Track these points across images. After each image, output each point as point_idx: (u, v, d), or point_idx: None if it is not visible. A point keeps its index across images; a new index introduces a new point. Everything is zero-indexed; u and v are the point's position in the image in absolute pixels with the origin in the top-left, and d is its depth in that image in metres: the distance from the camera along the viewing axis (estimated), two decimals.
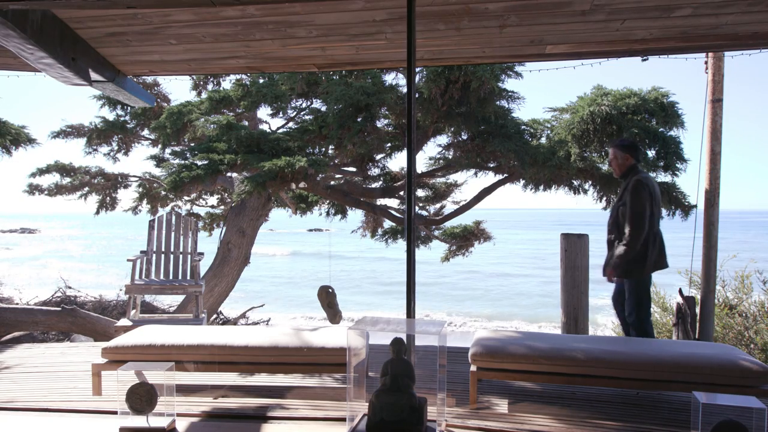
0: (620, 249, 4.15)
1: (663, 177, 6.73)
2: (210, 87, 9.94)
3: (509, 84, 16.38)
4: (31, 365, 4.68)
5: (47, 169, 10.38)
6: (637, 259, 4.14)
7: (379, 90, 6.99)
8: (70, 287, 11.88)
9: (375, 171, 8.59)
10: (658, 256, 4.24)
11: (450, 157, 7.99)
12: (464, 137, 7.46)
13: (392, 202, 9.35)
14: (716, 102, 5.90)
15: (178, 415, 2.67)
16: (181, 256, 6.11)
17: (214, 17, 3.47)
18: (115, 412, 2.64)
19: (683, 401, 3.62)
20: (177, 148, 8.99)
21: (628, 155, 4.30)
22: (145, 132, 10.36)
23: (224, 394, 3.77)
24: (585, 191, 7.41)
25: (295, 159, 6.49)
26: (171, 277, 6.01)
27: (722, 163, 5.94)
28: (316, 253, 42.47)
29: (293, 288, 25.93)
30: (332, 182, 8.75)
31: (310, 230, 62.22)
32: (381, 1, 3.23)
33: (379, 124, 7.43)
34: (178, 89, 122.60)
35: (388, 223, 9.46)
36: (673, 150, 6.28)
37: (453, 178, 9.53)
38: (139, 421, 2.51)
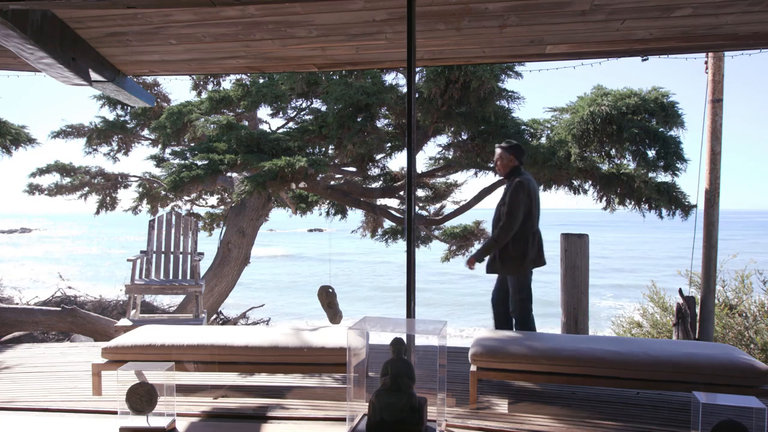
0: (488, 241, 4.46)
1: (663, 177, 6.73)
2: (210, 87, 9.95)
3: (509, 84, 16.42)
4: (31, 365, 4.68)
5: (47, 169, 10.38)
6: (516, 256, 4.37)
7: (379, 90, 6.99)
8: (70, 287, 11.89)
9: (375, 171, 8.59)
10: (537, 254, 4.47)
11: (450, 157, 7.99)
12: (464, 137, 7.46)
13: (392, 202, 9.36)
14: (716, 102, 5.91)
15: (178, 415, 2.67)
16: (181, 256, 6.11)
17: (214, 17, 3.47)
18: (115, 412, 2.64)
19: (683, 401, 3.62)
20: (177, 148, 8.99)
21: (513, 156, 4.49)
22: (145, 132, 10.36)
23: (224, 394, 3.77)
24: (585, 191, 7.40)
25: (295, 159, 6.49)
26: (171, 277, 6.01)
27: (722, 163, 5.94)
28: (314, 256, 42.44)
29: (293, 289, 25.93)
30: (332, 182, 8.75)
31: (311, 230, 62.25)
32: (381, 1, 3.23)
33: (379, 124, 7.43)
34: (178, 89, 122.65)
35: (388, 223, 9.46)
36: (673, 150, 6.27)
37: (453, 178, 9.54)
38: (139, 421, 2.51)
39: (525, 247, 4.37)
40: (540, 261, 4.55)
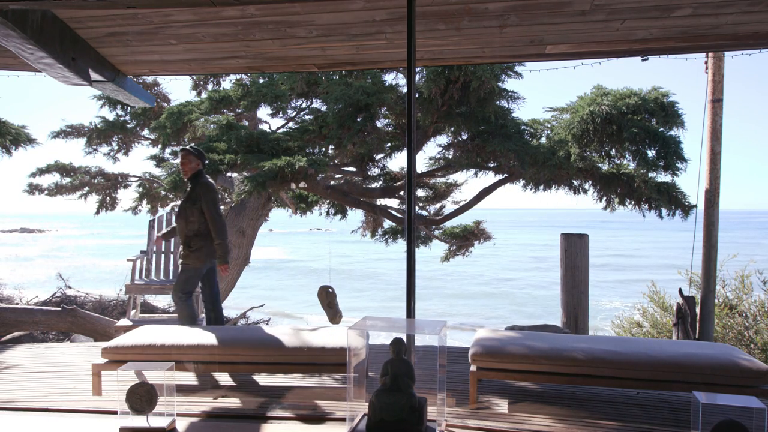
0: (218, 246, 4.68)
1: (663, 177, 6.72)
2: (210, 87, 9.94)
3: (509, 84, 16.40)
4: (31, 365, 4.68)
5: (47, 169, 10.38)
6: (195, 249, 4.67)
7: (379, 90, 6.99)
8: (70, 287, 11.89)
9: (375, 171, 8.59)
10: (214, 249, 4.75)
11: (450, 157, 7.99)
12: (464, 137, 7.45)
13: (392, 202, 9.35)
14: (716, 102, 5.91)
15: (178, 415, 2.67)
16: None
17: (214, 17, 3.47)
18: (115, 412, 2.64)
19: (683, 401, 3.62)
20: (177, 148, 8.99)
21: (199, 160, 4.76)
22: (145, 132, 10.36)
23: (224, 394, 3.77)
24: (585, 191, 7.40)
25: (295, 159, 6.49)
26: (171, 277, 6.01)
27: (722, 163, 5.95)
28: (314, 256, 42.48)
29: (293, 289, 25.94)
30: (332, 182, 8.75)
31: (311, 230, 62.24)
32: (381, 1, 3.23)
33: (379, 124, 7.42)
34: (178, 89, 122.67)
35: (388, 223, 9.46)
36: (673, 150, 6.27)
37: (453, 178, 9.53)
38: (139, 421, 2.51)
39: (203, 242, 4.69)
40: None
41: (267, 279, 28.00)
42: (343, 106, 6.93)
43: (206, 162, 4.97)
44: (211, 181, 4.83)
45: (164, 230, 5.37)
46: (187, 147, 4.79)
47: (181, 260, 4.79)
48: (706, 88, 5.96)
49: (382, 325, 2.52)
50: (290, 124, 9.08)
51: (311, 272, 31.45)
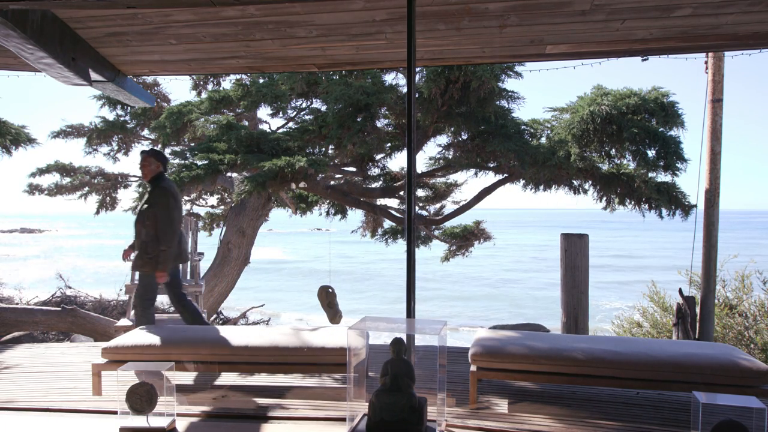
0: (161, 252, 4.54)
1: (663, 177, 6.72)
2: (210, 87, 9.94)
3: (509, 84, 16.41)
4: (31, 365, 4.68)
5: (47, 169, 10.38)
6: (155, 255, 4.57)
7: (379, 90, 6.98)
8: (70, 287, 11.88)
9: (375, 171, 8.59)
10: (178, 253, 4.73)
11: (450, 157, 7.99)
12: (464, 137, 7.45)
13: (392, 202, 9.35)
14: (716, 102, 5.91)
15: (178, 415, 2.67)
16: None
17: (214, 17, 3.47)
18: (115, 412, 2.63)
19: (683, 401, 3.62)
20: (177, 148, 8.99)
21: (159, 163, 4.72)
22: (145, 132, 10.36)
23: (224, 394, 3.77)
24: (585, 191, 7.40)
25: (295, 159, 6.49)
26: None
27: (722, 163, 5.94)
28: (314, 256, 42.46)
29: (293, 289, 25.93)
30: (332, 182, 8.75)
31: (315, 230, 62.23)
32: (381, 1, 3.23)
33: (379, 124, 7.42)
34: (178, 89, 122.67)
35: (388, 223, 9.46)
36: (673, 150, 6.27)
37: (453, 178, 9.53)
38: (139, 421, 2.51)
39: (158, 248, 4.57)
40: (182, 258, 4.87)
41: (267, 279, 27.99)
42: (343, 106, 6.93)
43: (167, 165, 4.87)
44: (172, 185, 4.74)
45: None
46: (147, 149, 4.74)
47: (137, 268, 4.66)
48: (706, 88, 5.97)
49: (382, 325, 2.52)
50: (290, 124, 9.08)
51: (311, 272, 31.45)
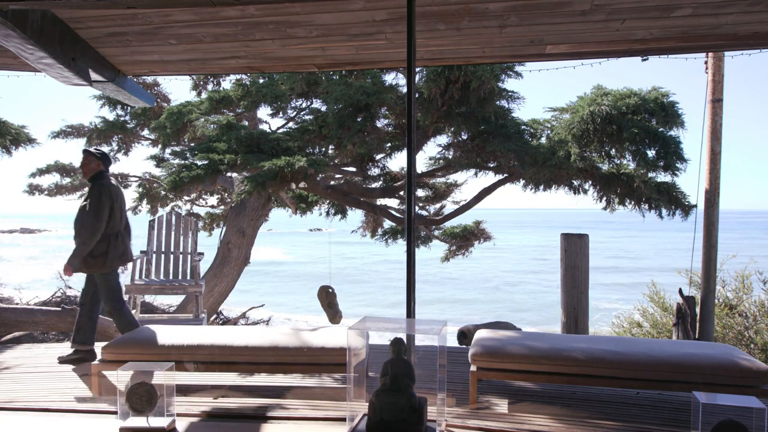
0: (77, 245, 4.53)
1: (663, 177, 6.72)
2: (210, 87, 9.94)
3: (509, 84, 16.38)
4: (31, 365, 4.68)
5: (47, 169, 10.39)
6: (98, 255, 4.55)
7: (379, 90, 6.98)
8: (70, 287, 11.86)
9: (375, 171, 8.59)
10: (122, 253, 4.70)
11: (450, 157, 7.99)
12: (464, 137, 7.45)
13: (392, 202, 9.35)
14: (716, 102, 5.91)
15: (178, 415, 2.67)
16: (181, 256, 6.12)
17: (214, 17, 3.47)
18: (115, 412, 2.63)
19: (683, 401, 3.62)
20: (177, 148, 9.00)
21: (99, 162, 4.68)
22: (145, 132, 10.36)
23: (224, 394, 3.77)
24: (585, 191, 7.40)
25: (295, 159, 6.48)
26: (171, 277, 6.01)
27: (722, 163, 5.94)
28: (314, 256, 42.45)
29: (293, 289, 25.93)
30: (332, 182, 8.75)
31: (311, 230, 62.21)
32: (381, 1, 3.23)
33: (379, 124, 7.42)
34: (178, 89, 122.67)
35: (388, 223, 9.46)
36: (673, 150, 6.27)
37: (453, 178, 9.53)
38: (139, 421, 2.51)
39: (107, 247, 4.59)
40: (125, 259, 4.79)
41: (267, 279, 27.99)
42: (343, 106, 6.92)
43: (109, 164, 4.78)
44: (110, 184, 4.66)
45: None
46: (89, 149, 4.70)
47: (84, 271, 4.60)
48: (706, 88, 5.97)
49: (382, 325, 2.52)
50: (290, 124, 9.08)
51: (311, 272, 31.44)
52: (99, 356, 3.76)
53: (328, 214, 9.26)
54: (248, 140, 7.21)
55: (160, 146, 9.75)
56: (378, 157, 8.36)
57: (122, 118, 10.12)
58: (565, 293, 5.89)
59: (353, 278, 28.96)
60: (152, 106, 7.05)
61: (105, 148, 10.42)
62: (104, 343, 3.81)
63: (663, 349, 3.44)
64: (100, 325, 6.97)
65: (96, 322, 4.82)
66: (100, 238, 4.53)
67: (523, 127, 7.41)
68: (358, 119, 6.97)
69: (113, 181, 4.75)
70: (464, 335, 6.33)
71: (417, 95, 6.72)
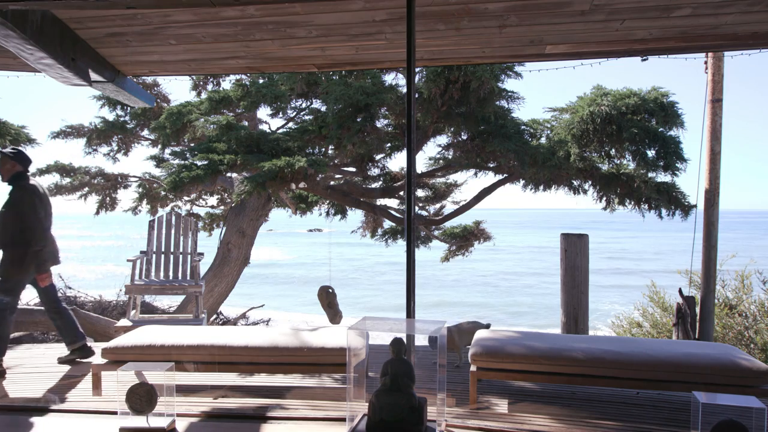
0: (36, 252, 4.46)
1: (663, 177, 6.72)
2: (210, 87, 9.94)
3: (509, 84, 16.41)
4: (31, 365, 4.68)
5: (47, 170, 10.37)
6: (16, 258, 4.44)
7: (379, 90, 6.98)
8: (70, 287, 11.87)
9: (375, 171, 8.59)
10: (50, 254, 4.65)
11: (450, 157, 7.99)
12: (464, 137, 7.45)
13: (392, 202, 9.36)
14: (716, 102, 5.91)
15: (178, 415, 2.67)
16: (181, 256, 6.11)
17: (214, 17, 3.47)
18: (115, 412, 2.63)
19: (683, 401, 3.63)
20: (177, 149, 8.99)
21: (15, 162, 4.50)
22: (145, 132, 10.36)
23: (224, 394, 3.77)
24: (585, 191, 7.40)
25: (294, 159, 6.48)
26: (171, 278, 6.01)
27: (722, 163, 5.94)
28: (314, 256, 42.45)
29: (293, 289, 25.93)
30: (332, 182, 8.75)
31: (310, 230, 62.19)
32: (381, 1, 3.23)
33: (379, 124, 7.42)
34: (178, 89, 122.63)
35: (388, 223, 9.46)
36: (673, 150, 6.27)
37: (453, 178, 9.53)
38: (139, 421, 2.51)
39: (26, 250, 4.45)
40: (53, 261, 4.78)
41: (267, 279, 27.98)
42: (342, 106, 6.92)
43: (28, 165, 4.60)
44: (33, 185, 4.50)
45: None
46: (4, 150, 4.55)
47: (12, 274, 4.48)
48: (705, 88, 5.97)
49: (382, 325, 2.52)
50: (290, 124, 9.08)
51: (311, 272, 31.44)
52: (97, 353, 3.76)
53: (328, 214, 9.26)
54: (248, 140, 7.21)
55: (159, 146, 9.75)
56: (378, 157, 8.36)
57: (122, 119, 10.11)
58: (565, 293, 5.89)
59: (353, 278, 28.95)
60: (152, 106, 7.05)
61: (104, 149, 10.43)
62: (104, 344, 3.81)
63: (663, 349, 3.45)
64: (100, 325, 6.99)
65: (70, 316, 4.76)
66: (22, 241, 4.37)
67: (522, 127, 7.42)
68: (358, 119, 6.97)
69: (32, 181, 4.57)
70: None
71: (417, 95, 6.72)
